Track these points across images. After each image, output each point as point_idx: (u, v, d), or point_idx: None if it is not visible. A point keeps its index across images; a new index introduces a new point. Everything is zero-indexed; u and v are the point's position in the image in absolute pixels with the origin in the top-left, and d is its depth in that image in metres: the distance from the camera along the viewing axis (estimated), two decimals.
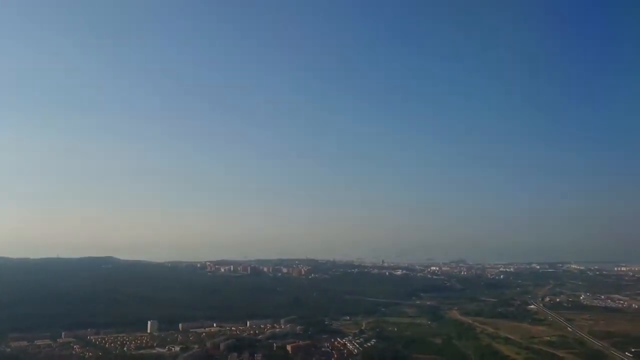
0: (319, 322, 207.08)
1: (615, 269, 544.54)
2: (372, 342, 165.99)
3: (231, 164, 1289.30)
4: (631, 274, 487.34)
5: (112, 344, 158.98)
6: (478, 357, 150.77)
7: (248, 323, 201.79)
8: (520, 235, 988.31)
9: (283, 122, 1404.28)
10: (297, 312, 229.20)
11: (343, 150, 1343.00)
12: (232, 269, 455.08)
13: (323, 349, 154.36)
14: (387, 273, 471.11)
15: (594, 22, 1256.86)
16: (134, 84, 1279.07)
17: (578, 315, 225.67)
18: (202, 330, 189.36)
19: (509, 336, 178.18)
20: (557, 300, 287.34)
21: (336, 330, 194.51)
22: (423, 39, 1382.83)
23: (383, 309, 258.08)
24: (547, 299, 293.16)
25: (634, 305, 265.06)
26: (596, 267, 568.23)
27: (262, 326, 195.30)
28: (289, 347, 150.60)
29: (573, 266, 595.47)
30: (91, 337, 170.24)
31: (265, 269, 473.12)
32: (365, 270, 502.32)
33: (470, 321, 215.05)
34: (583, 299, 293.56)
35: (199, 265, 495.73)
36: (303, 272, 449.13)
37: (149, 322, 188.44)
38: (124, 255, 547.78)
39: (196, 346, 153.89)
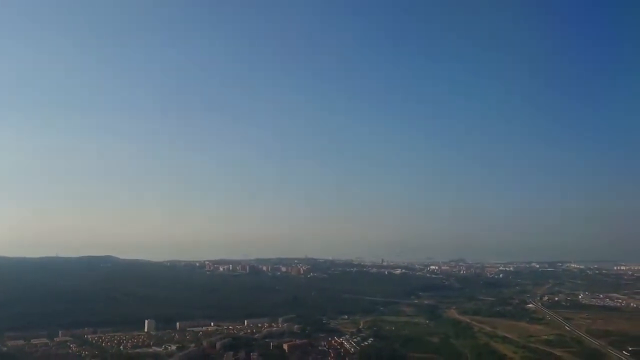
0: (316, 321, 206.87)
1: (615, 268, 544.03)
2: (369, 341, 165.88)
3: (231, 164, 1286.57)
4: (630, 273, 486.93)
5: (109, 343, 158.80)
6: (475, 356, 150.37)
7: (246, 322, 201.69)
8: (520, 235, 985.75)
9: (283, 122, 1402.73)
10: (295, 311, 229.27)
11: (343, 150, 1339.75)
12: (230, 268, 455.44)
13: (320, 348, 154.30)
14: (386, 272, 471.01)
15: (594, 22, 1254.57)
16: (134, 84, 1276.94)
17: (576, 314, 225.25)
18: (200, 329, 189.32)
19: (507, 335, 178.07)
20: (556, 299, 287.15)
21: (334, 329, 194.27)
22: (423, 39, 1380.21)
23: (381, 308, 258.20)
24: (546, 297, 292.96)
25: (632, 304, 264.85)
26: (596, 266, 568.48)
27: (259, 325, 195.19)
28: (285, 346, 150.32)
29: (573, 265, 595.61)
30: (88, 336, 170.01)
31: (264, 268, 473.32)
32: (364, 269, 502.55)
33: (468, 320, 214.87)
34: (582, 298, 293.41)
35: (197, 264, 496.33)
36: (302, 271, 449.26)
37: (146, 321, 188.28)
38: (123, 255, 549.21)
39: (192, 345, 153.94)
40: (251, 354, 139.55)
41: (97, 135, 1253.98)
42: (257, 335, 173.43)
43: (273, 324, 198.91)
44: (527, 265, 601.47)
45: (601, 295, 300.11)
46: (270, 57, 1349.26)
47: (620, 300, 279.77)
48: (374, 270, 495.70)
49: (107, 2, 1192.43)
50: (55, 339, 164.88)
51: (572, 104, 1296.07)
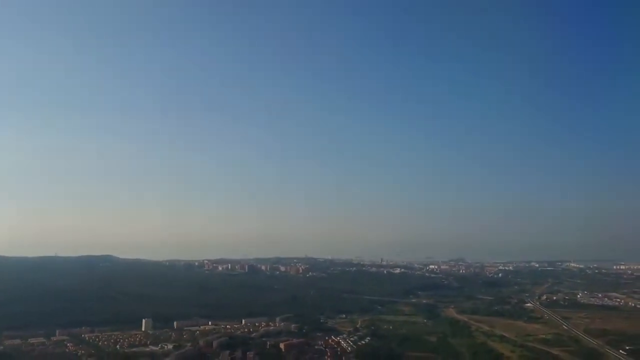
0: (314, 320, 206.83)
1: (615, 267, 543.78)
2: (367, 340, 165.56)
3: (231, 164, 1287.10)
4: (630, 272, 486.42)
5: (106, 342, 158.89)
6: (472, 354, 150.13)
7: (243, 321, 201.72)
8: (520, 235, 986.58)
9: (283, 122, 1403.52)
10: (293, 310, 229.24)
11: (343, 150, 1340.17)
12: (229, 267, 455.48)
13: (316, 347, 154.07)
14: (385, 271, 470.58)
15: (594, 22, 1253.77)
16: (134, 84, 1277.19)
17: (575, 313, 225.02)
18: (197, 328, 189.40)
19: (504, 334, 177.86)
20: (554, 298, 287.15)
21: (331, 328, 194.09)
22: (423, 39, 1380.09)
23: (379, 307, 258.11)
24: (544, 297, 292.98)
25: (630, 303, 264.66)
26: (595, 265, 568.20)
27: (257, 324, 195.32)
28: (282, 345, 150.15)
29: (572, 265, 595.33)
30: (85, 335, 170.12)
31: (262, 268, 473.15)
32: (364, 268, 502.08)
33: (466, 319, 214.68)
34: (580, 297, 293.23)
35: (196, 263, 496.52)
36: (300, 271, 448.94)
37: (143, 321, 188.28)
38: (122, 254, 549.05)
39: (189, 344, 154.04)
40: (247, 353, 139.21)
41: (97, 135, 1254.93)
42: (254, 334, 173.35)
43: (270, 323, 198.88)
44: (527, 265, 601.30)
45: (600, 295, 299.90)
46: (270, 57, 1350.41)
47: (618, 300, 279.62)
48: (373, 269, 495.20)
49: (107, 2, 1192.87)
50: (52, 338, 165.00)
51: (572, 104, 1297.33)
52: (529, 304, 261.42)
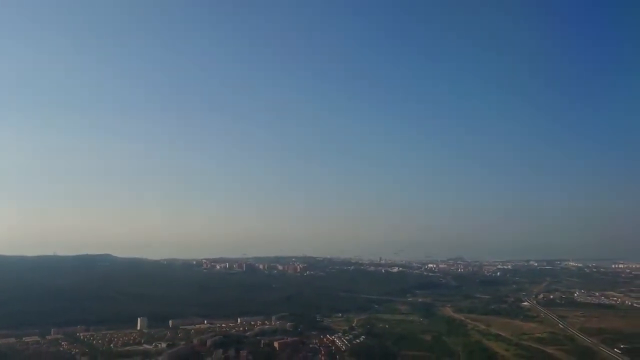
0: (310, 319, 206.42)
1: (613, 266, 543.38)
2: (361, 339, 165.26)
3: (231, 163, 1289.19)
4: (628, 271, 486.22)
5: (100, 341, 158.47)
6: (467, 353, 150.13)
7: (239, 320, 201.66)
8: (519, 234, 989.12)
9: (281, 122, 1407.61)
10: (289, 309, 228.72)
11: (342, 150, 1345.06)
12: (227, 266, 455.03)
13: (311, 346, 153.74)
14: (383, 270, 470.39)
15: (594, 22, 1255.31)
16: (134, 84, 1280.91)
17: (571, 312, 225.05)
18: (192, 327, 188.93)
19: (500, 333, 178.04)
20: (551, 297, 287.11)
21: (327, 327, 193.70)
22: (423, 39, 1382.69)
23: (376, 306, 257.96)
24: (541, 296, 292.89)
25: (627, 301, 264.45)
26: (594, 264, 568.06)
27: (252, 323, 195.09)
28: (276, 344, 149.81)
29: (571, 263, 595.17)
30: (80, 334, 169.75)
31: (260, 267, 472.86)
32: (362, 267, 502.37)
33: (462, 318, 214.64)
34: (577, 296, 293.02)
35: (194, 262, 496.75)
36: (298, 270, 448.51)
37: (138, 319, 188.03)
38: (121, 253, 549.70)
39: (183, 343, 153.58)
40: (241, 351, 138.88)
41: (96, 135, 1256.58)
42: (248, 333, 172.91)
43: (266, 321, 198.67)
44: (525, 264, 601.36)
45: (597, 293, 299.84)
46: (270, 57, 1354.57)
47: (615, 298, 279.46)
48: (372, 268, 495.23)
49: (107, 2, 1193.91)
50: (47, 337, 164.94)
51: (572, 104, 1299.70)
52: (525, 303, 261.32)
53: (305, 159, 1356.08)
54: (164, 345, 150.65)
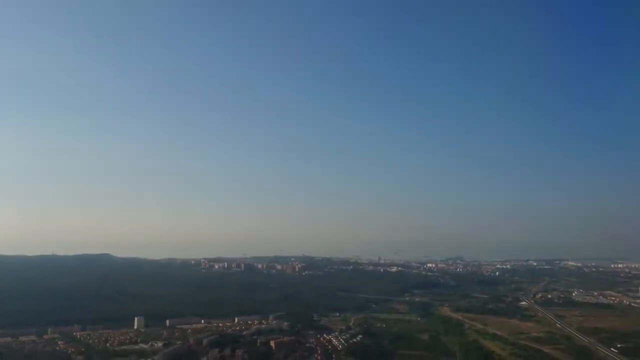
0: (307, 319, 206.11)
1: (612, 266, 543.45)
2: (358, 338, 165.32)
3: (230, 163, 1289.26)
4: (627, 270, 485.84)
5: (97, 340, 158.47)
6: (463, 352, 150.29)
7: (236, 319, 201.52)
8: (519, 233, 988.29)
9: (280, 122, 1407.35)
10: (286, 308, 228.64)
11: (342, 150, 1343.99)
12: (226, 266, 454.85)
13: (307, 345, 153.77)
14: (381, 270, 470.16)
15: (594, 22, 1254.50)
16: (134, 84, 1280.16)
17: (569, 311, 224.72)
18: (189, 326, 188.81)
19: (497, 332, 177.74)
20: (549, 296, 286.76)
21: (324, 326, 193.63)
22: (423, 39, 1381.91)
23: (374, 306, 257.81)
24: (540, 295, 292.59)
25: (625, 301, 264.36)
26: (593, 264, 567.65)
27: (249, 322, 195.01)
28: (272, 343, 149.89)
29: (570, 263, 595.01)
30: (77, 333, 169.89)
31: (259, 266, 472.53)
32: (361, 267, 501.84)
33: (459, 317, 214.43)
34: (575, 295, 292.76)
35: (193, 262, 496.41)
36: (297, 269, 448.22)
37: (135, 319, 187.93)
38: (120, 253, 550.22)
39: (179, 342, 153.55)
40: (237, 350, 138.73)
41: (96, 135, 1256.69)
42: (245, 332, 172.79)
43: (263, 321, 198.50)
44: (525, 263, 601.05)
45: (595, 293, 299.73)
46: (270, 57, 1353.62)
47: (613, 298, 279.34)
48: (370, 268, 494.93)
49: (107, 2, 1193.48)
50: (44, 336, 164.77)
51: (572, 104, 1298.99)
52: (523, 302, 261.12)
53: (305, 159, 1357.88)
54: (160, 344, 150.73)
